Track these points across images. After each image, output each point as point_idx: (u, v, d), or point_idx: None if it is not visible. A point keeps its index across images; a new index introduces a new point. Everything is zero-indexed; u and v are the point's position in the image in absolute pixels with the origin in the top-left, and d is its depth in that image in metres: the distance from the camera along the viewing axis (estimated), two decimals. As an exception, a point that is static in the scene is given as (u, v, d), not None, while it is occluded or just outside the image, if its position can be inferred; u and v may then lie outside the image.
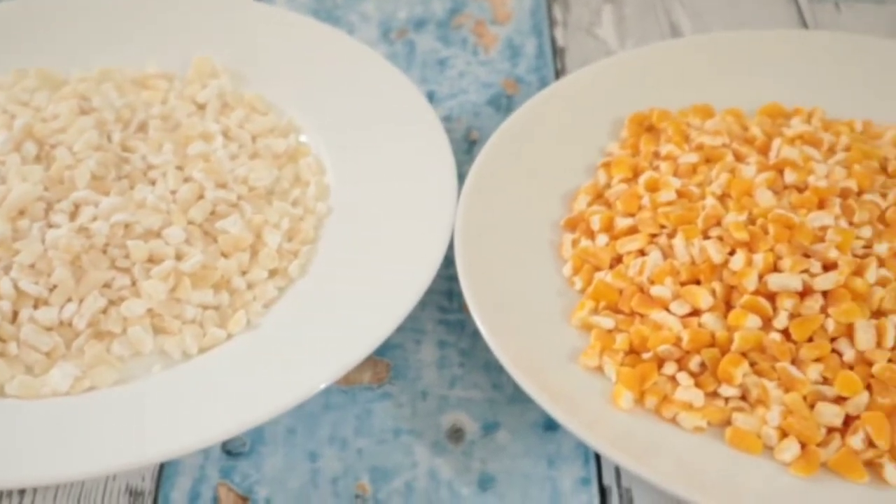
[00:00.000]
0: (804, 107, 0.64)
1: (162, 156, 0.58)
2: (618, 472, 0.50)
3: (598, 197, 0.59)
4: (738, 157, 0.59)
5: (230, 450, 0.50)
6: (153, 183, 0.58)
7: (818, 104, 0.64)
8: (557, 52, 0.73)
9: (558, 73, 0.71)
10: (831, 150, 0.59)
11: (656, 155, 0.60)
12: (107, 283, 0.53)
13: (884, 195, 0.55)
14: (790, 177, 0.56)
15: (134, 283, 0.53)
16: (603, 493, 0.49)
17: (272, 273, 0.55)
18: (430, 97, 0.69)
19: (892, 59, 0.67)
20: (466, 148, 0.65)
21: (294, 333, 0.52)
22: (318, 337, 0.51)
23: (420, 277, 0.53)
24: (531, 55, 0.72)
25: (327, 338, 0.51)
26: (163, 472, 0.49)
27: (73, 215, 0.55)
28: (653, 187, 0.57)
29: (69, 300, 0.52)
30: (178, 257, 0.54)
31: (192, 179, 0.57)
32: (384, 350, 0.54)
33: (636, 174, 0.59)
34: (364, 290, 0.53)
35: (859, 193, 0.55)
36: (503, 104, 0.68)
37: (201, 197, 0.57)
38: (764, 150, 0.59)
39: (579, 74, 0.66)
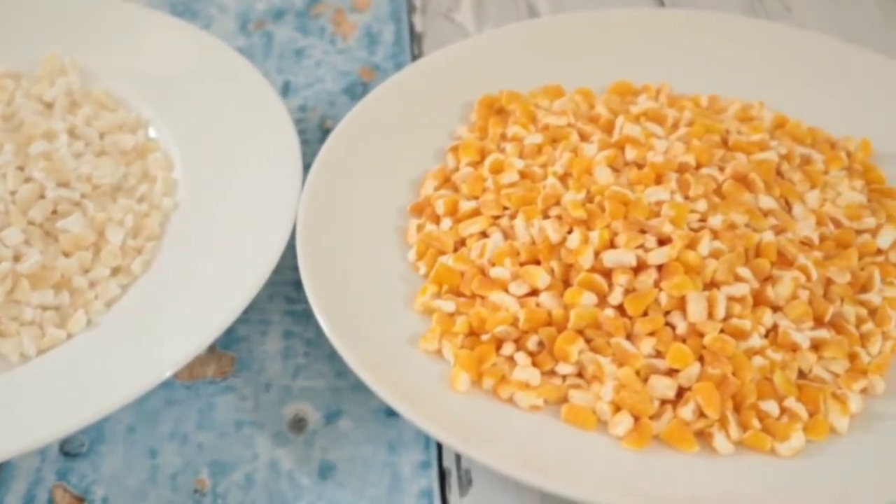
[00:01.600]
0: (658, 83, 0.64)
1: (2, 156, 0.57)
2: (458, 454, 0.50)
3: (446, 181, 0.59)
4: (583, 137, 0.59)
5: (68, 451, 0.50)
6: (-8, 184, 0.57)
7: (671, 81, 0.64)
8: (415, 38, 0.73)
9: (415, 59, 0.71)
10: (675, 126, 0.60)
11: (503, 137, 0.60)
12: (-57, 287, 0.52)
13: (722, 169, 0.56)
14: (630, 153, 0.57)
15: (-30, 287, 0.53)
16: (442, 475, 0.49)
17: (115, 271, 0.55)
18: (286, 88, 0.69)
19: (744, 36, 0.68)
20: (321, 137, 0.65)
21: (134, 330, 0.52)
22: (157, 332, 0.51)
23: (261, 268, 0.52)
24: (389, 42, 0.72)
25: (166, 332, 0.51)
26: (-2, 476, 0.49)
27: None
28: (497, 169, 0.58)
29: None
30: (17, 258, 0.53)
31: (33, 179, 0.57)
32: (229, 343, 0.54)
33: (483, 157, 0.59)
34: (206, 283, 0.53)
35: (698, 167, 0.56)
36: (359, 92, 0.68)
37: (42, 197, 0.56)
38: (608, 129, 0.60)
39: (431, 59, 0.66)
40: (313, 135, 0.65)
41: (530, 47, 0.67)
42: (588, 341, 0.50)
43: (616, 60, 0.67)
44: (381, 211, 0.57)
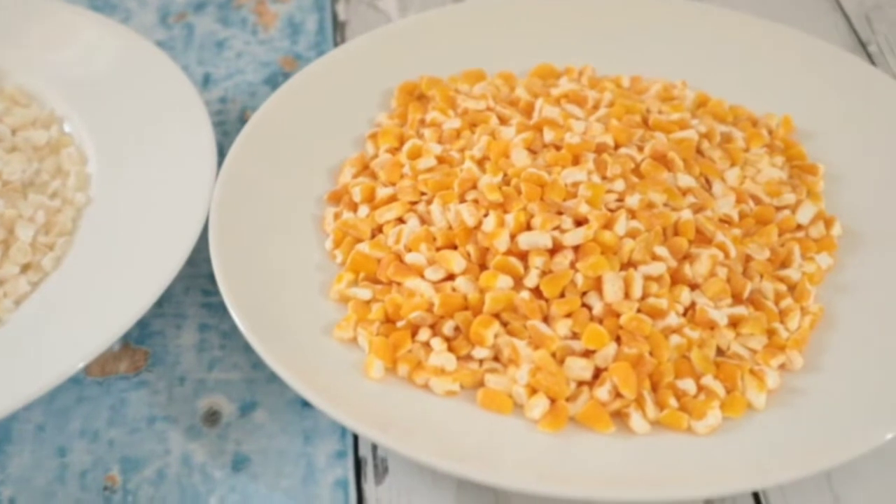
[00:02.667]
0: (582, 65, 0.64)
1: None
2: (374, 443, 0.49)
3: (364, 168, 0.58)
4: (503, 120, 0.59)
5: (-26, 451, 0.49)
6: None
7: (595, 62, 0.64)
8: (338, 26, 0.72)
9: (338, 48, 0.70)
10: (596, 107, 0.59)
11: (422, 123, 0.60)
12: None
13: (641, 148, 0.56)
14: (548, 135, 0.56)
15: None
16: (358, 465, 0.48)
17: (25, 268, 0.53)
18: (207, 79, 0.68)
19: (669, 16, 0.67)
20: (241, 128, 0.63)
21: (43, 326, 0.50)
22: (66, 327, 0.50)
23: (173, 260, 0.51)
24: (311, 31, 0.71)
25: (76, 327, 0.50)
26: None
27: None
28: (415, 155, 0.57)
29: None
30: (-78, 258, 0.52)
31: (-60, 177, 0.55)
32: (143, 338, 0.53)
33: (402, 144, 0.58)
34: (118, 277, 0.52)
35: (616, 148, 0.55)
36: (280, 82, 0.67)
37: (-52, 195, 0.55)
38: (528, 112, 0.59)
39: (352, 45, 0.65)
40: (233, 126, 0.64)
41: (453, 32, 0.66)
42: (504, 325, 0.49)
43: (540, 44, 0.66)
44: (299, 200, 0.57)
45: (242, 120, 0.65)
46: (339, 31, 0.71)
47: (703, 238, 0.52)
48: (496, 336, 0.49)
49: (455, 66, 0.64)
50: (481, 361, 0.49)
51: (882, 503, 0.46)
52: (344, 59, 0.64)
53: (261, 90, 0.67)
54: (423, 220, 0.53)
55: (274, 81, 0.67)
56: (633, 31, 0.66)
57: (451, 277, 0.51)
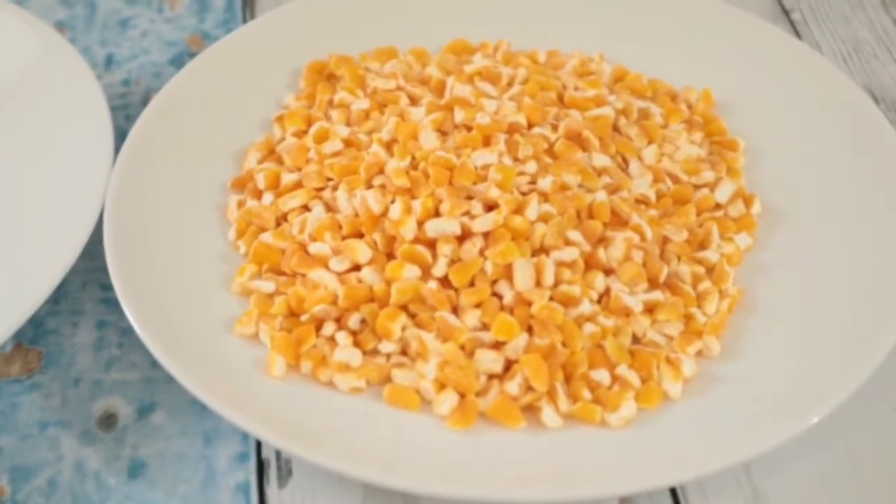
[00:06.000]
0: (497, 40, 0.62)
1: None
2: (278, 443, 0.47)
3: (271, 153, 0.56)
4: (413, 100, 0.56)
5: None
6: None
7: (512, 37, 0.62)
8: (248, 3, 0.69)
9: (247, 25, 0.67)
10: (510, 84, 0.57)
11: (331, 104, 0.57)
12: None
13: (555, 127, 0.54)
14: (459, 115, 0.54)
15: None
16: (261, 467, 0.46)
17: None
18: (109, 61, 0.65)
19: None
20: (145, 112, 0.61)
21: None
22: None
23: (65, 255, 0.49)
24: (219, 8, 0.69)
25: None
26: None
27: None
28: (321, 138, 0.54)
29: None
30: None
31: None
32: (37, 337, 0.51)
33: (310, 126, 0.56)
34: (7, 273, 0.49)
35: (530, 127, 0.53)
36: (187, 63, 0.64)
37: None
38: (440, 91, 0.57)
39: (259, 23, 0.62)
40: (137, 110, 0.61)
41: (367, 8, 0.64)
42: (412, 317, 0.47)
43: (457, 19, 0.64)
44: (202, 187, 0.54)
45: (147, 103, 0.62)
46: (248, 8, 0.69)
47: (618, 220, 0.50)
48: (403, 329, 0.47)
49: (369, 43, 0.62)
50: (388, 356, 0.47)
51: (801, 496, 0.45)
52: (252, 36, 0.61)
53: (166, 71, 0.64)
54: (329, 208, 0.51)
55: (180, 62, 0.65)
56: (551, 3, 0.64)
57: (356, 268, 0.49)
